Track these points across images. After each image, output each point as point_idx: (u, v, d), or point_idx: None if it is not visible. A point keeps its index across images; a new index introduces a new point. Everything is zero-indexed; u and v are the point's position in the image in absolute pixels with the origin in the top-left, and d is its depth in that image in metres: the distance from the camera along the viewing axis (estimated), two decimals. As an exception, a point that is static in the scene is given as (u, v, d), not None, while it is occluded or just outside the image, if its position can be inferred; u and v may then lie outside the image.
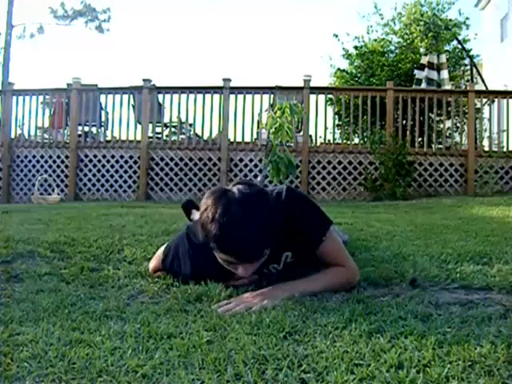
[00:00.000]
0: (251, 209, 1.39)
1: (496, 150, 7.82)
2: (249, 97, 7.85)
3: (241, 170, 7.77)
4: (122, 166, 8.01)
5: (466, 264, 2.02)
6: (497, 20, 16.29)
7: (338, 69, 12.02)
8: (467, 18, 12.36)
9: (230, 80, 7.89)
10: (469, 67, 11.09)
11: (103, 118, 8.39)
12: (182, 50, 76.32)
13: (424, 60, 9.25)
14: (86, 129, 8.49)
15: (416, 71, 9.49)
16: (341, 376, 0.93)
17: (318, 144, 8.01)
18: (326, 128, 8.15)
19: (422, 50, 10.95)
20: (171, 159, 7.90)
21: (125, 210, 4.91)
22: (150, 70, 46.29)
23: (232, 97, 7.88)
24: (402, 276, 1.80)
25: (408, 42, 11.77)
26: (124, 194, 7.99)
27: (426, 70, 9.02)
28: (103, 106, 8.37)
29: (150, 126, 8.34)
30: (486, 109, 8.38)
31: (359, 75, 11.64)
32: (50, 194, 7.59)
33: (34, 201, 7.00)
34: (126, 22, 61.01)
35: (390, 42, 12.20)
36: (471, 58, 11.07)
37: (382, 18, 12.62)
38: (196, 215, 2.69)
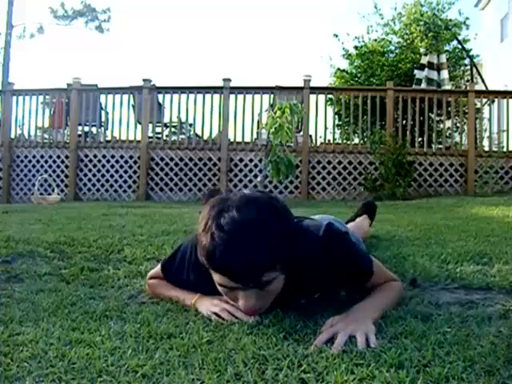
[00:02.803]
0: (252, 215, 1.17)
1: (496, 149, 7.82)
2: (249, 97, 7.85)
3: (241, 170, 7.77)
4: (122, 166, 8.01)
5: (465, 264, 2.02)
6: (497, 20, 16.28)
7: (338, 69, 12.01)
8: (467, 18, 12.32)
9: (230, 80, 7.89)
10: (469, 67, 11.08)
11: (103, 118, 8.39)
12: (182, 50, 76.34)
13: (424, 60, 9.25)
14: (86, 129, 8.50)
15: (416, 71, 9.49)
16: (341, 376, 0.93)
17: (318, 144, 8.01)
18: (325, 128, 8.15)
19: (422, 50, 10.92)
20: (171, 159, 7.90)
21: (125, 209, 4.90)
22: (150, 70, 46.24)
23: (232, 97, 7.88)
24: (402, 276, 1.80)
25: (408, 41, 11.76)
26: (124, 193, 7.99)
27: (426, 70, 9.03)
28: (103, 105, 8.37)
29: (150, 126, 8.35)
30: (486, 109, 8.38)
31: (359, 75, 11.63)
32: (49, 194, 7.58)
33: (34, 201, 7.00)
34: (126, 21, 61.03)
35: (390, 42, 12.18)
36: (471, 58, 11.06)
37: (382, 18, 12.60)
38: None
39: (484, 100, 8.28)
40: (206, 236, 1.18)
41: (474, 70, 10.52)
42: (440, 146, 7.92)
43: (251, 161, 7.74)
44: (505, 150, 7.62)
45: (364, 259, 1.44)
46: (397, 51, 11.89)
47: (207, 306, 1.35)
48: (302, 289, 1.36)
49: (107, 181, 8.03)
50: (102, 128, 8.41)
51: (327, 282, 1.43)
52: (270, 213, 1.20)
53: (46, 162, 8.22)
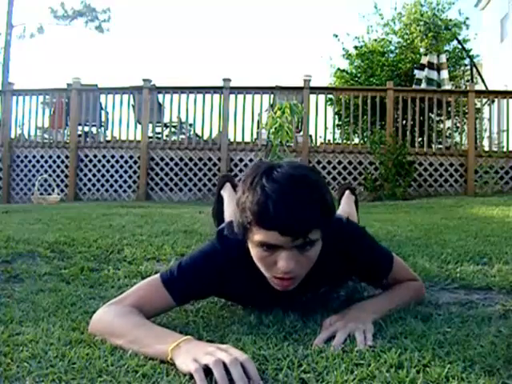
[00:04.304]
0: (302, 174, 1.17)
1: (496, 149, 7.82)
2: (249, 97, 7.85)
3: (241, 170, 7.77)
4: (122, 166, 8.01)
5: (466, 264, 2.02)
6: (497, 20, 16.28)
7: (338, 69, 12.01)
8: (467, 18, 12.31)
9: (229, 80, 7.89)
10: (469, 67, 11.08)
11: (103, 118, 8.39)
12: (182, 50, 76.36)
13: (424, 60, 9.25)
14: (86, 129, 8.49)
15: (416, 71, 9.49)
16: (341, 376, 0.93)
17: (318, 144, 8.01)
18: (326, 128, 8.15)
19: (421, 50, 10.93)
20: (171, 159, 7.90)
21: (125, 210, 4.90)
22: (150, 70, 46.40)
23: (232, 97, 7.88)
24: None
25: (408, 42, 11.75)
26: (124, 193, 7.99)
27: (426, 70, 9.02)
28: (103, 105, 8.37)
29: (150, 126, 8.35)
30: (486, 109, 8.38)
31: (359, 75, 11.63)
32: (49, 194, 7.58)
33: (34, 201, 7.00)
34: (126, 22, 61.19)
35: (390, 42, 12.18)
36: (471, 58, 11.06)
37: (382, 18, 12.59)
38: (226, 191, 2.51)
39: (484, 100, 8.28)
40: (253, 192, 1.14)
41: (474, 69, 10.51)
42: (440, 146, 7.92)
43: (251, 161, 7.73)
44: (505, 149, 7.62)
45: (383, 255, 1.43)
46: (397, 51, 11.89)
47: (195, 353, 0.97)
48: (318, 278, 1.31)
49: (107, 181, 8.02)
50: (102, 128, 8.41)
51: (342, 274, 1.44)
52: (318, 175, 1.25)
53: (46, 162, 8.22)
